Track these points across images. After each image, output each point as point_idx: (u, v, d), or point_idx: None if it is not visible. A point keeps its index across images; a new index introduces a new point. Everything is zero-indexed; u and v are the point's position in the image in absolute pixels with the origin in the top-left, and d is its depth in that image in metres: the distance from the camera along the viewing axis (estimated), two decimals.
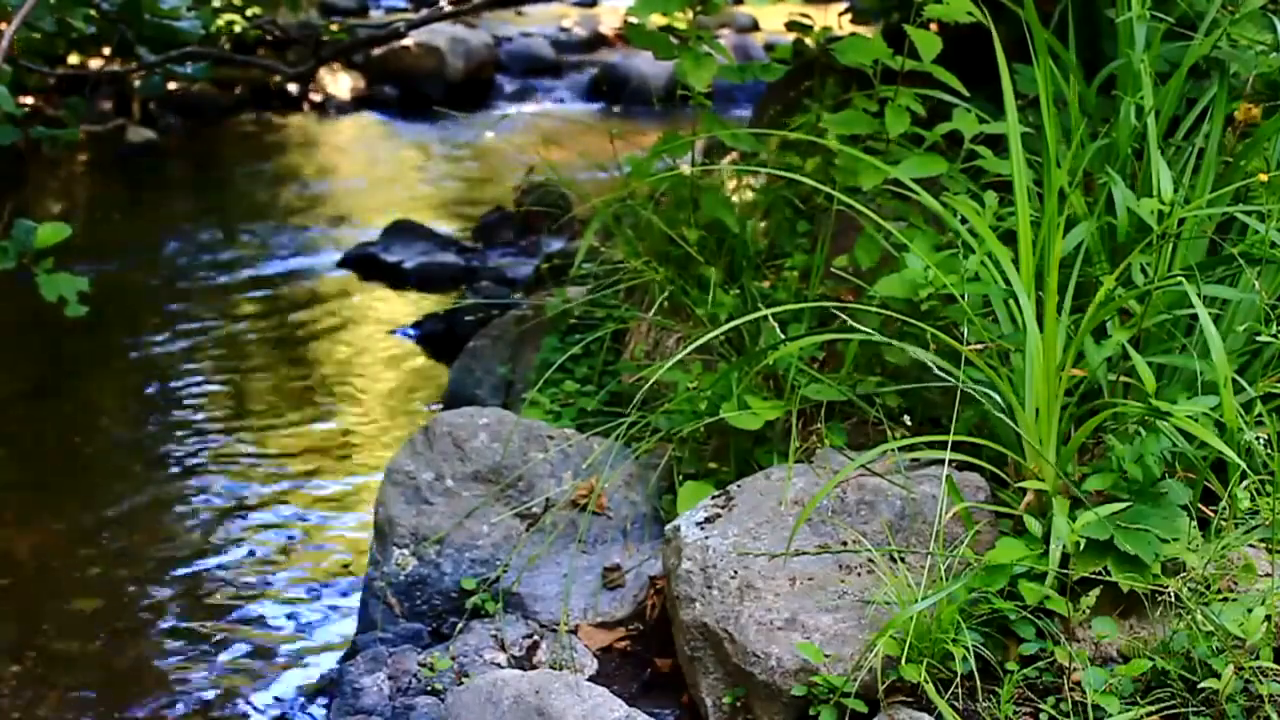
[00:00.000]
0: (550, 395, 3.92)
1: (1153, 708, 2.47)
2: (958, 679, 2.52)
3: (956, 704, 2.53)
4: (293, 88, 9.94)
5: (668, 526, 3.02)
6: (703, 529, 2.92)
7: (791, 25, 4.42)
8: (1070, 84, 3.30)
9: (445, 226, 7.10)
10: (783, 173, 3.63)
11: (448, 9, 8.38)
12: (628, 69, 10.40)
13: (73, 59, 8.46)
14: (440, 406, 4.69)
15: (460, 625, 3.21)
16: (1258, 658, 2.43)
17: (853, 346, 3.24)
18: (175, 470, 4.61)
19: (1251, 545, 2.66)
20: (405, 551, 3.35)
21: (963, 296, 2.98)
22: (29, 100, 7.96)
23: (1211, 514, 2.71)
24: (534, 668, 3.04)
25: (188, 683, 3.46)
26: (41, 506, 4.35)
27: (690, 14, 3.93)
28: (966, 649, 2.52)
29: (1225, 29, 3.29)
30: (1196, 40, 3.25)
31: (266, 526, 4.24)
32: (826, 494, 2.87)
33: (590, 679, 2.96)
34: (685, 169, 4.02)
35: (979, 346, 2.87)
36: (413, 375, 5.43)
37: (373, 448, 4.76)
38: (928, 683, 2.49)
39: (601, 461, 3.38)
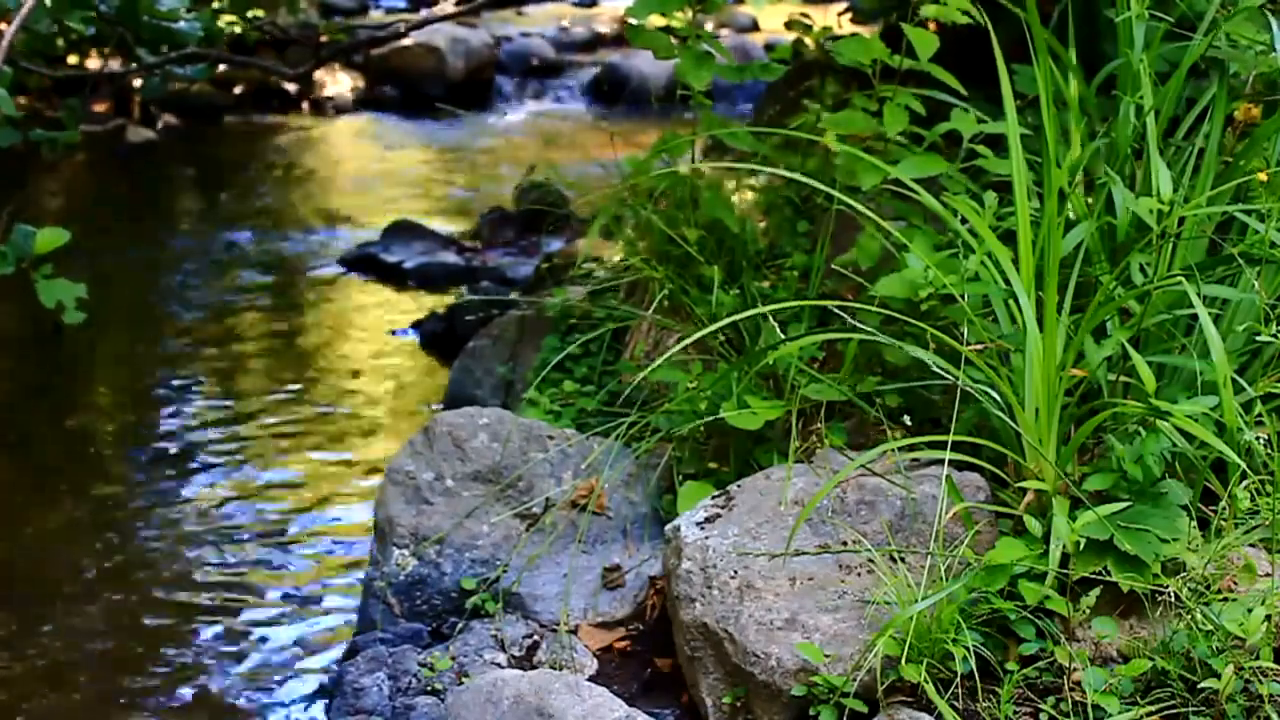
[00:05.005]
0: (550, 395, 3.92)
1: (1153, 708, 2.47)
2: (958, 679, 2.52)
3: (956, 704, 2.53)
4: (292, 88, 9.94)
5: (668, 526, 3.02)
6: (703, 529, 2.92)
7: (791, 25, 4.42)
8: (1070, 84, 3.30)
9: (445, 226, 7.09)
10: (783, 173, 3.63)
11: (449, 9, 8.37)
12: (628, 69, 10.40)
13: (72, 59, 8.47)
14: (440, 406, 4.69)
15: (460, 625, 3.21)
16: (1258, 658, 2.43)
17: (852, 346, 3.24)
18: (174, 470, 4.61)
19: (1251, 545, 2.67)
20: (405, 551, 3.35)
21: (963, 296, 2.98)
22: (25, 100, 7.96)
23: (1211, 514, 2.71)
24: (534, 668, 3.04)
25: (187, 683, 3.46)
26: (40, 506, 4.35)
27: (689, 14, 3.93)
28: (966, 649, 2.52)
29: (1223, 28, 3.29)
30: (1196, 40, 3.25)
31: (266, 526, 4.24)
32: (826, 494, 2.87)
33: (590, 679, 2.96)
34: (685, 169, 4.02)
35: (979, 346, 2.87)
36: (413, 375, 5.43)
37: (372, 448, 4.76)
38: (928, 683, 2.49)
39: (601, 461, 3.38)
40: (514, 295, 5.11)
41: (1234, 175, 3.16)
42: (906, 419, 3.07)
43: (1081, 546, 2.60)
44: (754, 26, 11.88)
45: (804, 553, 2.81)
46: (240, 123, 9.61)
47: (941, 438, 2.73)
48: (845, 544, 2.82)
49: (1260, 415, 2.76)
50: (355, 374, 5.42)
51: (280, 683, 3.45)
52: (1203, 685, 2.44)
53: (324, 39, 8.62)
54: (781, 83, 4.70)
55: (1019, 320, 2.89)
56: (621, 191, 4.09)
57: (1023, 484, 2.77)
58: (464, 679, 3.01)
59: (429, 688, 3.04)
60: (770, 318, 3.24)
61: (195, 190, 8.43)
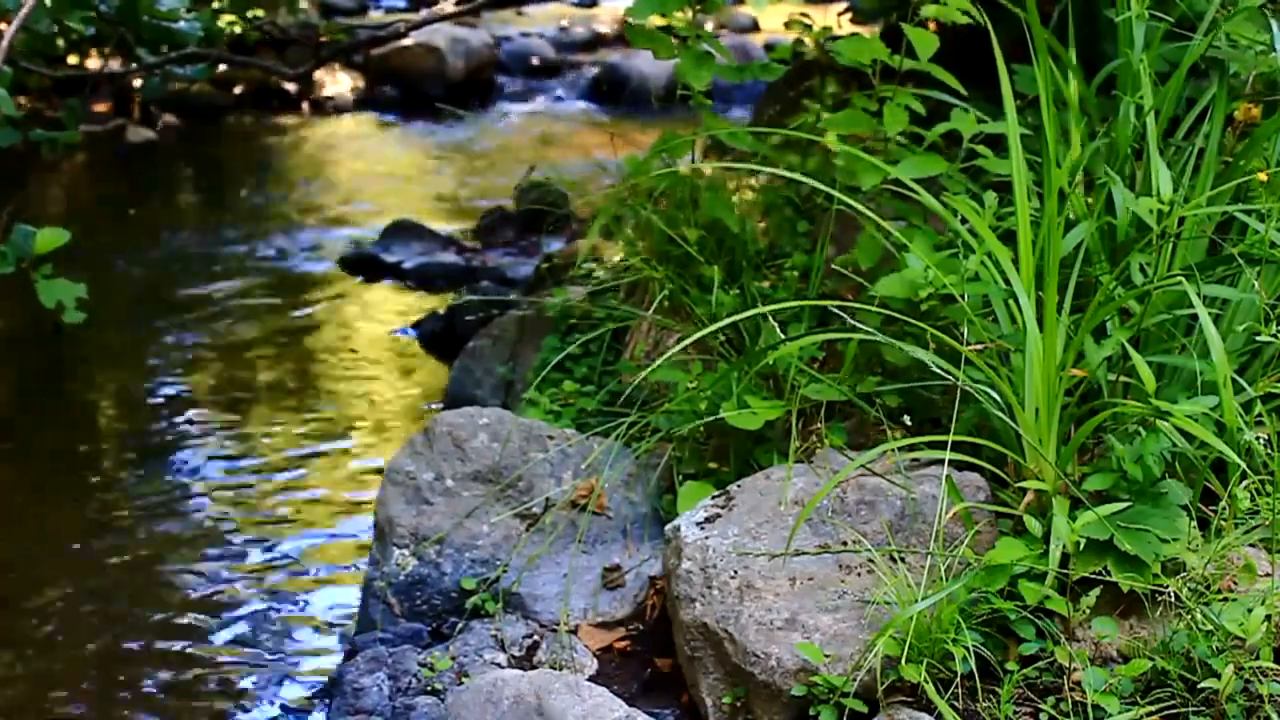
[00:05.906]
0: (550, 395, 3.92)
1: (1153, 708, 2.47)
2: (958, 679, 2.52)
3: (956, 704, 2.53)
4: (292, 88, 9.94)
5: (668, 526, 3.02)
6: (703, 529, 2.92)
7: (791, 25, 4.42)
8: (1070, 84, 3.30)
9: (445, 226, 7.09)
10: (783, 173, 3.63)
11: (449, 9, 8.37)
12: (628, 69, 10.40)
13: (72, 59, 8.46)
14: (440, 406, 4.69)
15: (460, 625, 3.22)
16: (1258, 658, 2.43)
17: (852, 346, 3.24)
18: (174, 470, 4.61)
19: (1251, 545, 2.67)
20: (405, 551, 3.35)
21: (963, 296, 2.98)
22: (25, 100, 7.95)
23: (1211, 514, 2.71)
24: (534, 668, 3.04)
25: (187, 682, 3.46)
26: (40, 506, 4.35)
27: (689, 13, 3.93)
28: (966, 649, 2.52)
29: (1223, 28, 3.29)
30: (1196, 40, 3.25)
31: (266, 526, 4.24)
32: (826, 494, 2.87)
33: (590, 679, 2.96)
34: (685, 169, 4.02)
35: (979, 346, 2.87)
36: (413, 375, 5.43)
37: (373, 448, 4.76)
38: (928, 683, 2.49)
39: (601, 461, 3.38)
40: (514, 295, 5.12)
41: (1234, 175, 3.16)
42: (906, 419, 3.07)
43: (1081, 546, 2.60)
44: (754, 26, 11.88)
45: (804, 553, 2.81)
46: (240, 123, 9.60)
47: (941, 438, 2.73)
48: (845, 544, 2.82)
49: (1260, 415, 2.76)
50: (355, 374, 5.42)
51: (280, 683, 3.45)
52: (1203, 685, 2.44)
53: (324, 39, 8.62)
54: (781, 83, 4.70)
55: (1019, 320, 2.89)
56: (621, 191, 4.10)
57: (1023, 484, 2.77)
58: (464, 679, 3.01)
59: (429, 688, 3.04)
60: (770, 318, 3.24)
61: (195, 190, 8.43)
